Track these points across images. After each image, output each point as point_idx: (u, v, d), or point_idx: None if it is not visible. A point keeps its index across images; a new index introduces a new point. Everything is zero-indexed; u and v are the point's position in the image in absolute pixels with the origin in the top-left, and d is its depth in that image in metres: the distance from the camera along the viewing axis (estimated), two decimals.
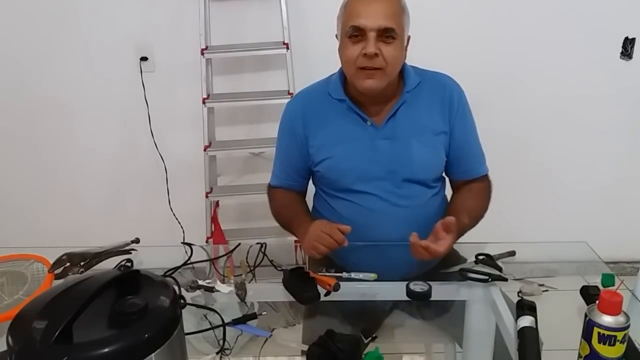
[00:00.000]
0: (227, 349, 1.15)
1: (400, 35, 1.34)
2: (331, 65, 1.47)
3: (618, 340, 0.91)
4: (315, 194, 1.61)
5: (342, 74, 1.46)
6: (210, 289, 1.30)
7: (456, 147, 1.46)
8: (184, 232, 2.50)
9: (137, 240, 1.49)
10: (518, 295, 1.21)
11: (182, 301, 1.13)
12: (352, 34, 1.33)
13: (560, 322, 1.19)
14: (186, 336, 0.97)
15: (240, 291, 1.28)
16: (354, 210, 1.44)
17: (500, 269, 1.34)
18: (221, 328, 1.18)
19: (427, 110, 1.44)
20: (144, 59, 2.37)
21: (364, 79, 1.35)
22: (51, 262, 1.36)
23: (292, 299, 1.27)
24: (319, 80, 1.54)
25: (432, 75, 1.48)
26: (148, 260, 1.45)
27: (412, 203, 1.43)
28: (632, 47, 2.33)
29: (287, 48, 2.22)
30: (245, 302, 1.29)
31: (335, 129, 1.45)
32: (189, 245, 1.52)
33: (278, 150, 1.58)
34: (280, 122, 1.55)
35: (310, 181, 1.59)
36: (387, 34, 1.31)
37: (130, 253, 1.45)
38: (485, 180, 1.53)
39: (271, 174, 1.62)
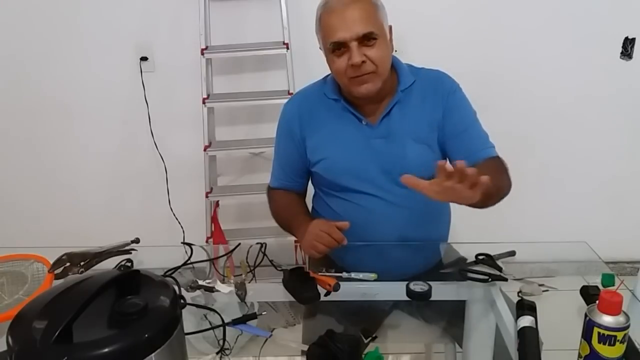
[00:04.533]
0: (227, 349, 1.15)
1: (382, 33, 1.33)
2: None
3: (618, 340, 0.91)
4: (314, 194, 1.61)
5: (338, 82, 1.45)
6: (210, 289, 1.30)
7: (451, 131, 1.42)
8: (184, 232, 2.50)
9: (137, 240, 1.49)
10: (518, 295, 1.21)
11: (182, 301, 1.13)
12: (335, 48, 1.33)
13: (560, 322, 1.19)
14: (186, 336, 0.97)
15: (240, 291, 1.28)
16: (352, 210, 1.44)
17: (500, 269, 1.33)
18: (221, 328, 1.18)
19: (420, 107, 1.43)
20: (144, 59, 2.37)
21: (358, 86, 1.34)
22: (51, 262, 1.36)
23: (292, 299, 1.27)
24: (316, 80, 1.54)
25: (426, 73, 1.48)
26: (148, 260, 1.45)
27: (409, 202, 1.42)
28: (632, 47, 2.33)
29: (287, 48, 2.22)
30: (245, 302, 1.29)
31: (331, 129, 1.46)
32: (189, 245, 1.52)
33: (277, 151, 1.59)
34: (278, 124, 1.55)
35: (310, 182, 1.59)
36: (367, 38, 1.30)
37: (130, 253, 1.45)
38: (495, 159, 1.42)
39: (270, 175, 1.62)
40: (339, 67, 1.34)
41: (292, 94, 2.22)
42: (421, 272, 1.37)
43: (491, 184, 1.08)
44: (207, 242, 2.37)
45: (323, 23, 1.35)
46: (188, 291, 1.28)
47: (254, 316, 1.24)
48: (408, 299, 1.26)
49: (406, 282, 1.26)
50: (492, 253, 1.39)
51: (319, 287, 1.27)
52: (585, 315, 0.94)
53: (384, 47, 1.35)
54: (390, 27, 1.40)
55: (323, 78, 1.53)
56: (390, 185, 1.43)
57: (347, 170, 1.44)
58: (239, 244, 1.55)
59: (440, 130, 1.42)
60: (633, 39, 2.33)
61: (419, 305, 1.36)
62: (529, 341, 1.02)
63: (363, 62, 1.30)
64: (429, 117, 1.43)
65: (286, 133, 1.52)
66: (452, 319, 1.38)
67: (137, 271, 0.96)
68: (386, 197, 1.43)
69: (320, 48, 1.42)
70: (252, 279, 1.39)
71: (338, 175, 1.46)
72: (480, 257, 1.38)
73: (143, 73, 2.37)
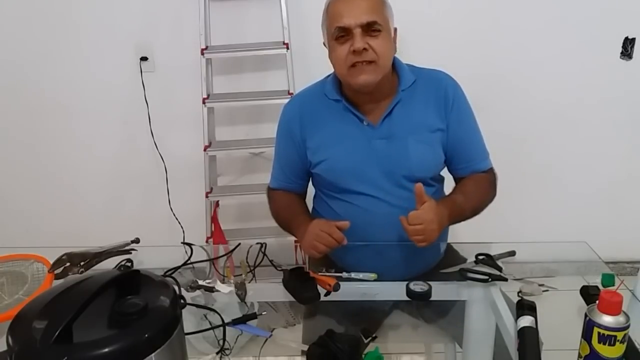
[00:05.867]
0: (227, 349, 1.15)
1: (386, 27, 1.35)
2: (331, 65, 1.47)
3: (618, 340, 0.91)
4: (314, 195, 1.61)
5: (337, 75, 1.45)
6: (210, 289, 1.30)
7: (454, 142, 1.45)
8: (184, 232, 2.50)
9: (137, 240, 1.49)
10: (518, 295, 1.21)
11: (182, 301, 1.13)
12: (338, 35, 1.34)
13: (560, 322, 1.19)
14: (186, 336, 0.97)
15: (240, 291, 1.28)
16: (353, 211, 1.44)
17: (500, 269, 1.33)
18: (221, 328, 1.18)
19: (422, 107, 1.43)
20: (144, 59, 2.37)
21: (357, 75, 1.35)
22: (51, 262, 1.36)
23: (292, 299, 1.27)
24: (316, 81, 1.54)
25: (428, 73, 1.48)
26: (148, 260, 1.45)
27: (410, 203, 1.41)
28: (632, 47, 2.33)
29: (287, 48, 2.22)
30: (245, 302, 1.29)
31: (332, 130, 1.45)
32: (189, 245, 1.52)
33: (276, 153, 1.58)
34: (277, 125, 1.55)
35: (310, 182, 1.59)
36: (372, 28, 1.32)
37: (130, 253, 1.45)
38: (488, 172, 1.51)
39: (270, 176, 1.62)
40: (340, 54, 1.35)
41: (292, 94, 2.22)
42: (421, 273, 1.37)
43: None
44: (207, 242, 2.37)
45: (330, 11, 1.37)
46: (188, 291, 1.29)
47: (254, 316, 1.24)
48: (408, 299, 1.26)
49: (406, 282, 1.26)
50: (492, 253, 1.39)
51: (319, 287, 1.27)
52: (585, 315, 0.94)
53: (387, 41, 1.36)
54: (395, 29, 1.40)
55: (323, 78, 1.52)
56: (392, 187, 1.43)
57: (348, 172, 1.44)
58: (239, 244, 1.55)
59: (444, 136, 1.44)
60: (633, 39, 2.33)
61: (419, 305, 1.36)
62: (529, 341, 1.02)
63: (364, 49, 1.31)
64: (431, 118, 1.43)
65: (286, 134, 1.52)
66: (452, 319, 1.38)
67: (137, 271, 0.96)
68: (387, 199, 1.43)
69: (324, 44, 1.42)
70: (252, 279, 1.39)
71: (339, 176, 1.46)
72: (480, 257, 1.38)
73: (143, 73, 2.37)
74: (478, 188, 1.47)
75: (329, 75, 1.50)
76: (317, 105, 1.48)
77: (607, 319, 0.91)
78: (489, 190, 1.50)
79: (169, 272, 1.37)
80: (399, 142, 1.42)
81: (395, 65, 1.43)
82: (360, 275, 1.34)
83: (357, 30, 1.31)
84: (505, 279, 1.29)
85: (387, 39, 1.35)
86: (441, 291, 1.28)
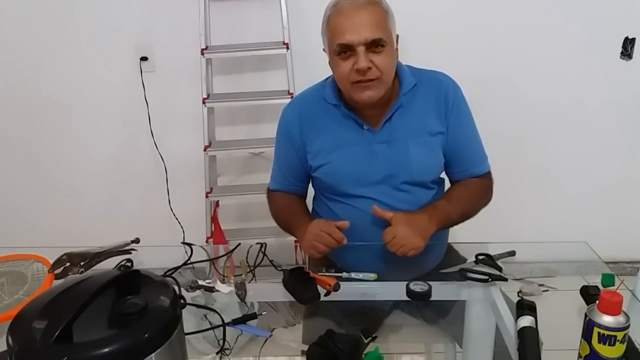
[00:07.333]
0: (227, 349, 1.15)
1: (389, 41, 1.32)
2: (331, 69, 1.46)
3: (618, 340, 0.91)
4: (314, 197, 1.60)
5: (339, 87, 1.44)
6: (210, 289, 1.30)
7: (453, 146, 1.45)
8: (184, 232, 2.50)
9: (137, 240, 1.49)
10: (518, 295, 1.21)
11: (182, 301, 1.13)
12: (341, 51, 1.31)
13: (560, 322, 1.19)
14: (186, 336, 0.97)
15: (240, 291, 1.28)
16: (353, 214, 1.43)
17: (500, 269, 1.33)
18: (221, 328, 1.18)
19: (423, 111, 1.43)
20: (144, 59, 2.37)
21: (360, 92, 1.33)
22: (51, 262, 1.36)
23: (292, 299, 1.27)
24: (316, 83, 1.53)
25: (428, 75, 1.47)
26: (148, 260, 1.45)
27: (411, 206, 1.42)
28: (632, 47, 2.33)
29: (287, 48, 2.22)
30: (245, 302, 1.29)
31: (332, 135, 1.44)
32: (189, 245, 1.52)
33: (276, 155, 1.58)
34: (277, 128, 1.54)
35: (310, 184, 1.59)
36: (375, 44, 1.29)
37: (130, 253, 1.45)
38: (484, 176, 1.51)
39: (270, 177, 1.61)
40: (343, 71, 1.32)
41: (292, 94, 2.22)
42: (421, 273, 1.37)
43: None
44: (207, 242, 2.37)
45: (331, 24, 1.33)
46: (188, 291, 1.29)
47: (254, 316, 1.24)
48: (408, 299, 1.26)
49: (406, 282, 1.26)
50: (492, 253, 1.39)
51: (319, 287, 1.27)
52: (585, 315, 0.94)
53: (391, 55, 1.33)
54: (397, 36, 1.38)
55: (323, 81, 1.51)
56: (392, 190, 1.43)
57: (348, 176, 1.43)
58: (239, 244, 1.55)
59: (444, 139, 1.44)
60: (633, 39, 2.33)
61: (419, 305, 1.36)
62: (529, 341, 1.02)
63: (369, 68, 1.29)
64: (431, 122, 1.42)
65: (286, 138, 1.51)
66: (452, 319, 1.38)
67: (137, 271, 0.96)
68: (388, 202, 1.42)
69: (324, 50, 1.41)
70: (252, 279, 1.39)
71: (339, 180, 1.45)
72: (480, 257, 1.38)
73: (143, 73, 2.37)
74: (465, 192, 1.47)
75: (328, 78, 1.49)
76: (316, 109, 1.47)
77: (607, 319, 0.91)
78: (481, 194, 1.49)
79: (169, 272, 1.37)
80: (399, 146, 1.41)
81: (396, 69, 1.42)
82: (360, 275, 1.34)
83: (360, 48, 1.28)
84: (505, 279, 1.29)
85: (390, 53, 1.33)
86: (441, 291, 1.28)
